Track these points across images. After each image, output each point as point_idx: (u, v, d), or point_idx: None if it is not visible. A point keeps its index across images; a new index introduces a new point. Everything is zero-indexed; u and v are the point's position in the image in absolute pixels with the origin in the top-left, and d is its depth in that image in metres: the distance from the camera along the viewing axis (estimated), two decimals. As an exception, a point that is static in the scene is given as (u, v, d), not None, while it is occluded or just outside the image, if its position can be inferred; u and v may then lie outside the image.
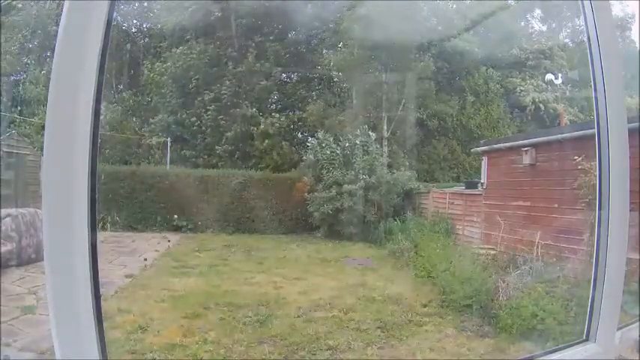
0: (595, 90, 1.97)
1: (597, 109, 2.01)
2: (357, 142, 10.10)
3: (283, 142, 11.45)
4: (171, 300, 5.38)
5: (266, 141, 11.15)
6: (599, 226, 2.00)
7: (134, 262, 6.83)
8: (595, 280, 1.99)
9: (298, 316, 5.07)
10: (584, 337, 2.00)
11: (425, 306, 5.64)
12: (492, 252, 7.16)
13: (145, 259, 7.02)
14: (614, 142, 2.02)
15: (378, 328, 4.87)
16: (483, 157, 9.13)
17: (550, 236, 6.36)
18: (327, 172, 9.90)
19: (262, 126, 11.13)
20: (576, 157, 5.73)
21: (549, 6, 14.45)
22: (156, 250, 7.96)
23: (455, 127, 12.76)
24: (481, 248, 7.45)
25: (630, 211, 1.92)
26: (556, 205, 6.59)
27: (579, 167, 5.67)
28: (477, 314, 5.17)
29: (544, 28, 15.51)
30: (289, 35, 11.86)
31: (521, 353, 4.42)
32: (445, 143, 12.70)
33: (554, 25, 15.07)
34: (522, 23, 14.83)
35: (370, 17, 10.44)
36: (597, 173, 2.06)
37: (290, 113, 11.90)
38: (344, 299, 5.70)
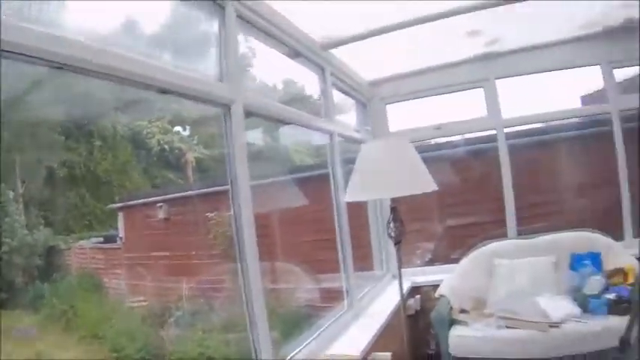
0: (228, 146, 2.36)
1: (230, 166, 2.40)
2: (-5, 205, 9.46)
3: None
4: None
5: None
6: (242, 276, 2.41)
7: None
8: (252, 331, 2.40)
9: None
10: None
11: (103, 366, 6.08)
12: (144, 303, 7.64)
13: None
14: (242, 197, 2.40)
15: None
16: (119, 213, 9.94)
17: (194, 282, 7.11)
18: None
19: None
20: (208, 214, 6.62)
21: (180, 41, 15.56)
22: None
23: (84, 174, 12.91)
24: (133, 301, 7.84)
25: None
26: (194, 253, 7.47)
27: (212, 221, 6.52)
28: (153, 365, 6.01)
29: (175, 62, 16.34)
30: None
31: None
32: (76, 192, 12.74)
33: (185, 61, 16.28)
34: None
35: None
36: (234, 226, 2.43)
37: None
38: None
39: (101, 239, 10.48)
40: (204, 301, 6.80)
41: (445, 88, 4.81)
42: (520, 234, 4.68)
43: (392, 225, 3.03)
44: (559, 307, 3.72)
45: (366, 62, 4.26)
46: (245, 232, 2.39)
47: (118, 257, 9.37)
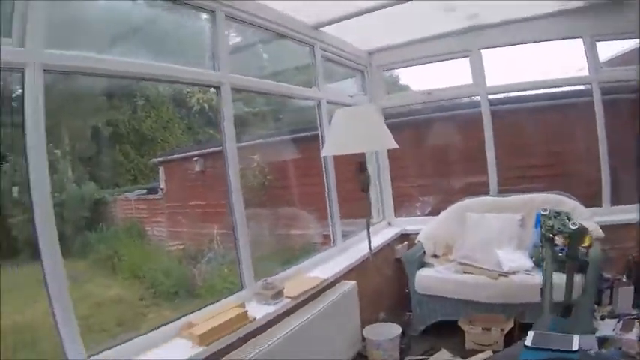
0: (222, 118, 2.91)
1: (222, 132, 2.92)
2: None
3: None
4: None
5: None
6: (233, 224, 3.05)
7: None
8: (238, 256, 3.04)
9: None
10: (240, 287, 3.02)
11: (142, 299, 6.88)
12: (181, 247, 8.60)
13: None
14: (230, 158, 2.95)
15: (117, 325, 5.93)
16: (160, 167, 10.77)
17: (224, 226, 7.54)
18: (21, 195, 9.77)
19: None
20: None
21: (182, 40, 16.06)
22: None
23: (128, 131, 13.75)
24: (171, 245, 8.85)
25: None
26: (224, 202, 8.52)
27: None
28: (184, 297, 6.62)
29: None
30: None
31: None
32: (120, 149, 13.63)
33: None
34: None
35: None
36: (227, 183, 2.96)
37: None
38: (79, 310, 6.65)
39: (144, 191, 11.35)
40: (233, 243, 7.57)
41: (434, 57, 5.22)
42: (501, 193, 5.05)
43: (359, 176, 3.60)
44: (513, 259, 3.98)
45: (364, 36, 4.76)
46: (232, 187, 3.06)
47: (160, 207, 10.24)
